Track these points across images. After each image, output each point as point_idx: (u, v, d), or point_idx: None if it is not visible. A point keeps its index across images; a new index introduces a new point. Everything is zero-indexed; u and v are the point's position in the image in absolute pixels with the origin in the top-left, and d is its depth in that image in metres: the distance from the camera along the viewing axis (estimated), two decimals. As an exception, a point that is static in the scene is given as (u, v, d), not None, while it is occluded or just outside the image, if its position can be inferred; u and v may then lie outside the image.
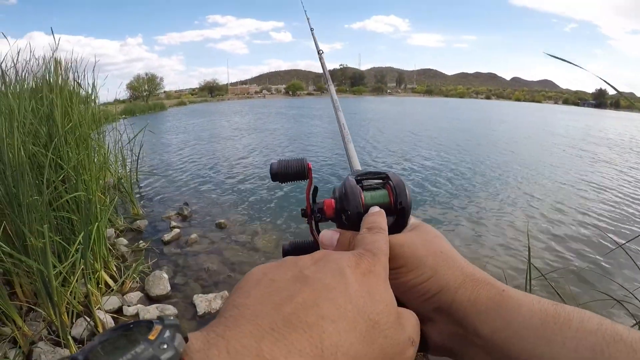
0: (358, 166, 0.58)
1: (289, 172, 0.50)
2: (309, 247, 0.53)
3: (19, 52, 3.85)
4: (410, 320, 0.36)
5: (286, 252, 0.52)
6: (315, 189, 0.52)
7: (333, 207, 0.48)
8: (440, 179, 8.07)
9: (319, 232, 0.50)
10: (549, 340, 0.35)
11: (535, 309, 0.37)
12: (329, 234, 0.46)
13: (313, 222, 0.52)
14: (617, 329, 0.34)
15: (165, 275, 3.52)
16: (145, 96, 65.86)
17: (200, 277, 3.70)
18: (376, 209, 0.45)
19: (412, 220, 0.48)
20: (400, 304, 0.39)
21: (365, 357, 0.28)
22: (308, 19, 1.25)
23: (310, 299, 0.28)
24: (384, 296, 0.32)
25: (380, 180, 0.50)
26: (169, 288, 3.41)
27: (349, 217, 0.46)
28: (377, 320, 0.30)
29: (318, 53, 1.01)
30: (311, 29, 1.16)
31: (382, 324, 0.30)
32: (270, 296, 0.28)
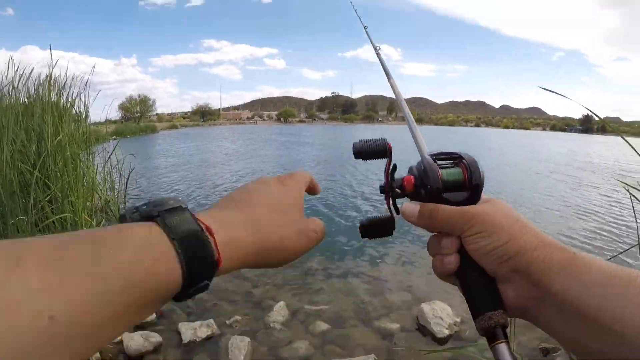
0: (426, 150, 0.59)
1: (372, 150, 0.54)
2: (386, 221, 0.56)
3: (18, 67, 3.82)
4: (314, 222, 0.51)
5: (363, 227, 0.57)
6: (394, 166, 0.55)
7: (413, 183, 0.53)
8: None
9: (396, 207, 0.55)
10: (616, 296, 0.39)
11: (603, 269, 0.41)
12: (411, 206, 0.53)
13: (390, 198, 0.55)
14: None
15: (151, 301, 3.43)
16: (137, 118, 66.09)
17: (187, 305, 3.61)
18: None
19: (484, 196, 0.52)
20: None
21: (280, 222, 0.46)
22: (360, 17, 1.23)
23: (248, 197, 0.47)
24: (290, 197, 0.50)
25: (453, 160, 0.53)
26: (154, 316, 3.32)
27: (428, 191, 0.51)
28: (286, 206, 0.48)
29: (375, 49, 0.99)
30: (364, 27, 1.12)
31: (290, 209, 0.48)
32: (235, 200, 0.47)
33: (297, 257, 0.49)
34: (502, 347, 0.44)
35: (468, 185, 0.50)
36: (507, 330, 0.46)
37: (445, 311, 3.32)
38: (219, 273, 0.40)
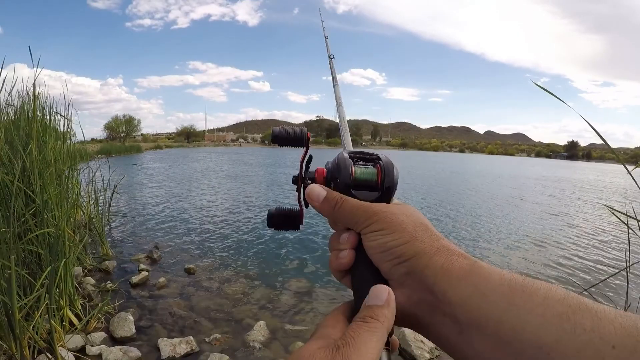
0: (350, 148, 0.59)
1: (290, 137, 0.51)
2: (294, 213, 0.55)
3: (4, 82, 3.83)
4: None
5: (270, 217, 0.55)
6: (310, 157, 0.53)
7: (324, 175, 0.52)
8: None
9: (306, 200, 0.52)
10: (517, 307, 0.36)
11: (504, 278, 0.38)
12: (318, 188, 0.50)
13: (302, 190, 0.53)
14: (582, 299, 0.35)
15: (131, 317, 3.45)
16: (122, 137, 65.80)
17: (166, 321, 3.63)
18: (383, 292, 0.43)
19: (396, 201, 0.51)
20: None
21: None
22: (323, 23, 1.22)
23: None
24: None
25: (372, 161, 0.51)
26: (134, 330, 3.33)
27: (337, 184, 0.49)
28: None
29: (329, 57, 1.00)
30: (325, 37, 1.03)
31: None
32: None
33: None
34: (382, 355, 0.40)
35: (380, 186, 0.49)
36: (392, 337, 0.43)
37: (426, 335, 3.34)
38: None
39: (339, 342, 0.37)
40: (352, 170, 0.49)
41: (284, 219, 0.54)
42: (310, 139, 0.53)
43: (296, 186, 0.54)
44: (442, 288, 0.40)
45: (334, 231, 0.51)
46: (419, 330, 0.44)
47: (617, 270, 5.23)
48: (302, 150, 0.53)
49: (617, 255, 7.00)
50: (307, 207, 0.54)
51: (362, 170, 0.50)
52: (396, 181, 0.50)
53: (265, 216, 0.56)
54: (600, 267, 6.33)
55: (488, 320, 0.37)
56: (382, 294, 0.42)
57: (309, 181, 0.52)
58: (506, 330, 0.36)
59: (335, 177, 0.50)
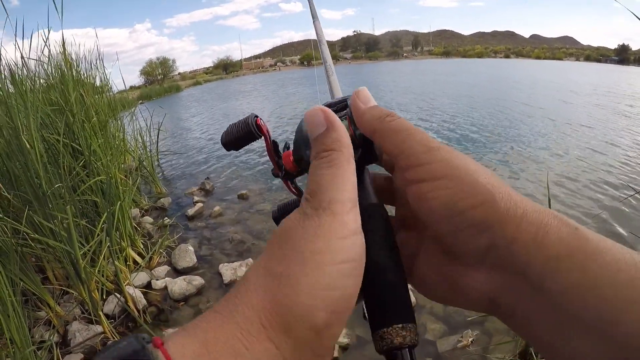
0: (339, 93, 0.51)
1: (236, 137, 0.39)
2: (294, 205, 0.43)
3: (24, 51, 3.87)
4: None
5: (276, 218, 0.44)
6: (275, 143, 0.42)
7: (292, 160, 0.41)
8: (456, 129, 8.00)
9: (296, 187, 0.44)
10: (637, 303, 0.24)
11: (621, 261, 0.25)
12: (318, 113, 0.36)
13: (288, 181, 0.44)
14: None
15: (191, 248, 3.59)
16: (160, 80, 66.33)
17: (225, 247, 3.77)
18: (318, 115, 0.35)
19: None
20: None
21: None
22: None
23: None
24: None
25: (341, 110, 0.41)
26: (195, 260, 3.48)
27: (304, 159, 0.38)
28: None
29: (313, 20, 0.96)
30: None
31: None
32: None
33: None
34: (404, 354, 0.31)
35: (357, 141, 0.38)
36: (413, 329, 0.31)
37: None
38: None
39: (306, 196, 0.31)
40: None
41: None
42: (263, 125, 0.39)
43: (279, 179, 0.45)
44: (536, 271, 0.27)
45: None
46: (503, 320, 0.32)
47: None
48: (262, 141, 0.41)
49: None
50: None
51: None
52: None
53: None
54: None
55: (599, 320, 0.25)
56: (317, 118, 0.35)
57: (284, 172, 0.43)
58: (623, 336, 0.24)
59: (299, 153, 0.40)
